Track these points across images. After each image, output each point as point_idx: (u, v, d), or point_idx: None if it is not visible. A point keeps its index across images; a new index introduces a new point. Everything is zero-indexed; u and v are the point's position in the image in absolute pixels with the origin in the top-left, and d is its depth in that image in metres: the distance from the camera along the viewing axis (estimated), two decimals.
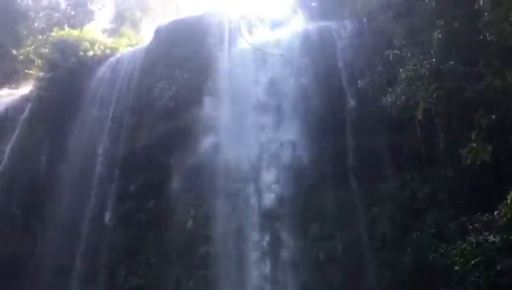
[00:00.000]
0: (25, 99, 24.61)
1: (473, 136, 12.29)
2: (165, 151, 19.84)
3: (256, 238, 17.07)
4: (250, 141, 18.61)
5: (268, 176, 18.20)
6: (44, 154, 22.44)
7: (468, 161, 12.77)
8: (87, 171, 20.69)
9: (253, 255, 16.98)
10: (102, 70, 23.52)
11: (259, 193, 17.95)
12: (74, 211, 19.80)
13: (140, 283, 18.80)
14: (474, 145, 11.03)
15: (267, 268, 16.89)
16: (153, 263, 18.93)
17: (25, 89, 25.80)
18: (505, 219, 11.30)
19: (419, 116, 15.64)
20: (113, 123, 21.47)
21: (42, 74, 24.29)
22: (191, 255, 18.03)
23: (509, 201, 9.98)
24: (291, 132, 18.57)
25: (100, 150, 21.15)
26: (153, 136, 20.32)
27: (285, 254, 16.88)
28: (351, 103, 18.28)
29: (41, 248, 20.56)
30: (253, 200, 17.90)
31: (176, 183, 19.30)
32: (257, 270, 16.86)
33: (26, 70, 27.48)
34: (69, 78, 23.20)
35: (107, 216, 19.86)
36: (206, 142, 18.74)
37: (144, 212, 19.88)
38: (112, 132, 21.28)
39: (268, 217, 17.55)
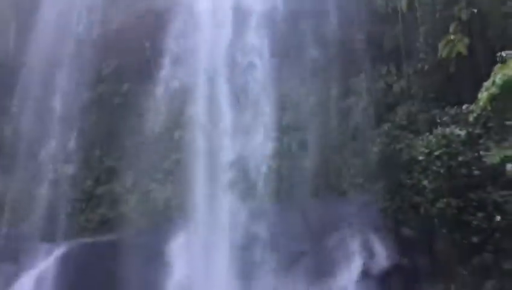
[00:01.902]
0: None
1: (451, 29, 12.17)
2: (141, 33, 19.16)
3: (228, 123, 16.98)
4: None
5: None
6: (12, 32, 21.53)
7: (445, 54, 12.84)
8: (58, 52, 20.02)
9: (225, 141, 17.06)
10: None
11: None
12: (46, 89, 19.46)
13: (115, 165, 19.15)
14: (452, 37, 10.94)
15: (237, 151, 17.04)
16: (127, 146, 19.13)
17: None
18: (474, 114, 11.58)
19: (403, 8, 15.40)
20: None
21: None
22: (166, 139, 18.22)
23: (483, 93, 10.09)
24: None
25: (73, 30, 20.31)
26: (130, 16, 19.51)
27: (257, 139, 17.02)
28: None
29: (15, 128, 20.39)
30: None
31: (152, 67, 18.85)
32: (229, 155, 17.01)
33: None
34: None
35: (81, 98, 19.62)
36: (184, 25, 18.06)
37: (119, 96, 19.71)
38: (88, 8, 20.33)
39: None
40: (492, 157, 10.67)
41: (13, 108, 20.61)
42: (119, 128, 19.44)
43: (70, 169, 19.75)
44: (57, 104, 19.91)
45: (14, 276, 16.32)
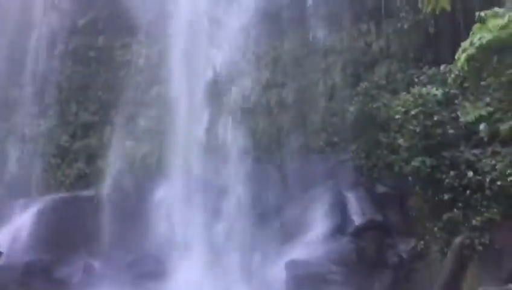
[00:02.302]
0: None
1: None
2: None
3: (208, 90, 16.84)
4: None
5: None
6: None
7: (429, 9, 12.79)
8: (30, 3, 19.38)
9: (205, 102, 16.94)
10: None
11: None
12: (18, 43, 18.90)
13: (91, 119, 18.92)
14: None
15: (217, 112, 17.01)
16: (104, 101, 18.90)
17: None
18: (452, 74, 11.72)
19: None
20: None
21: None
22: (143, 94, 18.02)
23: (461, 54, 10.19)
24: None
25: None
26: None
27: (234, 98, 16.97)
28: None
29: None
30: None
31: (128, 20, 18.38)
32: (208, 114, 16.97)
33: None
34: None
35: (55, 50, 19.13)
36: None
37: (94, 50, 19.29)
38: None
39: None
40: (468, 115, 10.87)
41: None
42: (95, 82, 19.14)
43: (45, 124, 19.46)
44: (31, 58, 19.42)
45: None
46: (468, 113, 10.65)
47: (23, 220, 16.37)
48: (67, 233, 15.45)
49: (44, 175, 18.66)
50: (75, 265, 14.72)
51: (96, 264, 14.89)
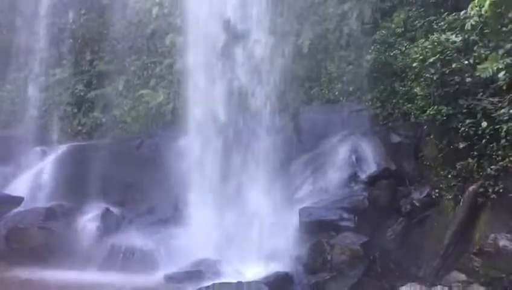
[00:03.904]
0: None
1: None
2: None
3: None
4: None
5: None
6: None
7: None
8: None
9: (220, 51, 16.65)
10: None
11: None
12: None
13: (106, 68, 18.96)
14: None
15: (232, 62, 16.81)
16: (119, 50, 18.85)
17: None
18: (471, 20, 11.40)
19: None
20: None
21: None
22: (157, 43, 17.92)
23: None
24: None
25: None
26: None
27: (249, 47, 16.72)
28: None
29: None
30: None
31: None
32: (223, 64, 16.79)
33: None
34: None
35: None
36: None
37: None
38: None
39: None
40: (484, 70, 10.60)
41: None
42: (110, 31, 19.04)
43: (60, 73, 19.58)
44: (45, 6, 19.30)
45: (9, 177, 16.72)
46: (485, 66, 10.34)
47: (42, 167, 16.78)
48: (85, 181, 15.73)
49: (61, 124, 18.95)
50: (94, 211, 15.07)
51: (115, 210, 15.27)
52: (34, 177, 16.49)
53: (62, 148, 17.22)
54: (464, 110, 10.98)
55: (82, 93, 19.17)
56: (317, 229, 12.38)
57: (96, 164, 15.87)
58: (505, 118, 10.26)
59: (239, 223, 13.51)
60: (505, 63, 10.19)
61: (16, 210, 15.17)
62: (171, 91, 17.38)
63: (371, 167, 13.75)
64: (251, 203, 13.97)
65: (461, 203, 10.85)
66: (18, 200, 15.55)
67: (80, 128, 18.91)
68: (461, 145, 10.94)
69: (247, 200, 14.08)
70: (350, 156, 14.21)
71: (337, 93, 16.06)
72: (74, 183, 15.82)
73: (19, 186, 16.20)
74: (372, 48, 14.89)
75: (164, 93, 17.61)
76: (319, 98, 16.41)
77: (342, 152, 14.38)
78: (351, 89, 15.87)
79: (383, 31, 14.89)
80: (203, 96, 15.37)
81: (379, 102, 14.81)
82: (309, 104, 16.31)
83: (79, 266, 12.72)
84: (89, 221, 14.74)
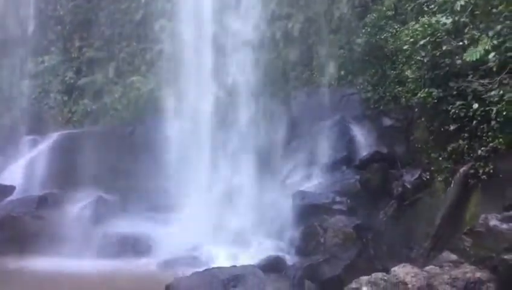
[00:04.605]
0: None
1: None
2: None
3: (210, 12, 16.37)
4: None
5: None
6: None
7: None
8: None
9: (208, 30, 16.49)
10: None
11: None
12: None
13: (96, 55, 18.79)
14: None
15: (223, 47, 16.70)
16: (108, 36, 18.67)
17: None
18: (461, 1, 11.38)
19: None
20: None
21: None
22: (147, 29, 17.76)
23: None
24: None
25: None
26: None
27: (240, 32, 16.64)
28: None
29: None
30: None
31: None
32: (213, 50, 16.67)
33: None
34: None
35: None
36: None
37: None
38: None
39: None
40: (472, 54, 10.58)
41: None
42: (98, 17, 18.84)
43: (49, 60, 19.38)
44: None
45: (1, 166, 16.63)
46: (473, 51, 10.33)
47: (34, 155, 16.70)
48: (77, 168, 15.69)
49: (51, 112, 18.82)
50: (86, 199, 15.05)
51: (108, 197, 15.26)
52: (26, 166, 16.40)
53: (53, 137, 17.12)
54: (455, 93, 11.00)
55: (72, 81, 19.02)
56: (310, 212, 12.46)
57: (88, 151, 15.81)
58: (495, 99, 10.27)
59: (230, 208, 13.57)
60: (494, 44, 10.19)
61: (8, 199, 15.12)
62: (162, 77, 17.27)
63: (362, 151, 13.84)
64: (243, 187, 14.03)
65: (452, 185, 10.92)
66: (10, 189, 15.51)
67: (70, 116, 18.80)
68: (452, 127, 10.97)
69: (238, 185, 14.14)
70: (341, 140, 14.28)
71: (328, 77, 16.05)
72: (66, 171, 15.77)
73: (11, 176, 16.12)
74: (363, 31, 14.87)
75: (155, 79, 17.51)
76: (311, 82, 16.40)
77: (334, 136, 14.44)
78: (342, 73, 15.89)
79: (374, 14, 14.86)
80: (194, 83, 15.33)
81: (370, 86, 14.85)
82: (300, 89, 16.29)
83: (73, 254, 12.69)
84: (81, 209, 14.72)
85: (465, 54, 10.57)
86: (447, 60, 11.23)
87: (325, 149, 14.17)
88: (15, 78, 19.40)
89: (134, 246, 13.22)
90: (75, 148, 16.20)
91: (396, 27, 13.94)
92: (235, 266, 9.48)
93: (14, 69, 19.53)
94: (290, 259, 11.68)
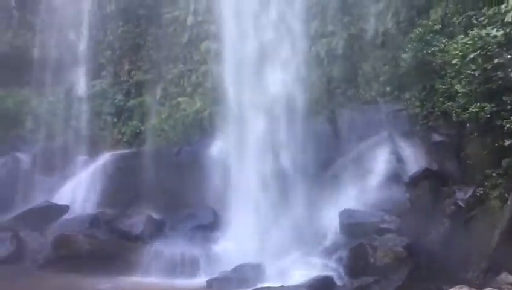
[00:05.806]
0: None
1: None
2: None
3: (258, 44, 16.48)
4: None
5: None
6: None
7: None
8: None
9: (254, 55, 16.64)
10: None
11: None
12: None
13: (144, 78, 19.33)
14: None
15: (267, 66, 16.75)
16: (155, 59, 19.20)
17: None
18: (511, 13, 11.09)
19: None
20: None
21: None
22: (193, 50, 18.14)
23: None
24: None
25: None
26: None
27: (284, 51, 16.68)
28: None
29: (41, 41, 20.48)
30: None
31: None
32: (258, 68, 16.78)
33: None
34: None
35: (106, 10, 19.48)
36: None
37: (143, 7, 19.46)
38: None
39: None
40: None
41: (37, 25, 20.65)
42: (146, 41, 19.43)
43: (100, 84, 20.08)
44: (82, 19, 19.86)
45: (55, 186, 17.25)
46: None
47: (85, 176, 17.23)
48: (127, 188, 16.11)
49: (102, 133, 19.41)
50: (136, 218, 15.35)
51: (157, 217, 15.52)
52: (79, 186, 16.96)
53: (104, 157, 17.65)
54: (509, 107, 10.65)
55: (121, 103, 19.61)
56: (357, 231, 12.23)
57: (137, 171, 16.19)
58: None
59: (279, 227, 13.49)
60: None
61: (63, 218, 15.64)
62: (207, 98, 17.56)
63: (411, 168, 13.50)
64: (291, 206, 13.93)
65: (509, 202, 10.51)
66: (64, 209, 16.07)
67: (120, 137, 19.33)
68: (506, 143, 10.62)
69: (286, 204, 14.06)
70: (390, 157, 14.00)
71: (374, 93, 15.86)
72: (117, 191, 16.20)
73: (65, 195, 16.71)
74: (409, 46, 14.63)
75: (200, 100, 17.82)
76: (356, 99, 16.23)
77: (382, 153, 14.18)
78: (388, 89, 15.65)
79: (420, 29, 14.59)
80: (240, 103, 15.46)
81: (418, 101, 14.53)
82: (346, 106, 16.14)
83: (123, 272, 12.94)
84: (131, 227, 15.02)
85: None
86: (499, 73, 10.91)
87: (372, 167, 13.92)
88: (68, 101, 20.17)
89: (182, 265, 13.34)
90: (126, 168, 16.63)
91: (444, 41, 13.62)
92: (283, 286, 9.40)
93: (66, 93, 20.33)
94: (339, 279, 11.48)
